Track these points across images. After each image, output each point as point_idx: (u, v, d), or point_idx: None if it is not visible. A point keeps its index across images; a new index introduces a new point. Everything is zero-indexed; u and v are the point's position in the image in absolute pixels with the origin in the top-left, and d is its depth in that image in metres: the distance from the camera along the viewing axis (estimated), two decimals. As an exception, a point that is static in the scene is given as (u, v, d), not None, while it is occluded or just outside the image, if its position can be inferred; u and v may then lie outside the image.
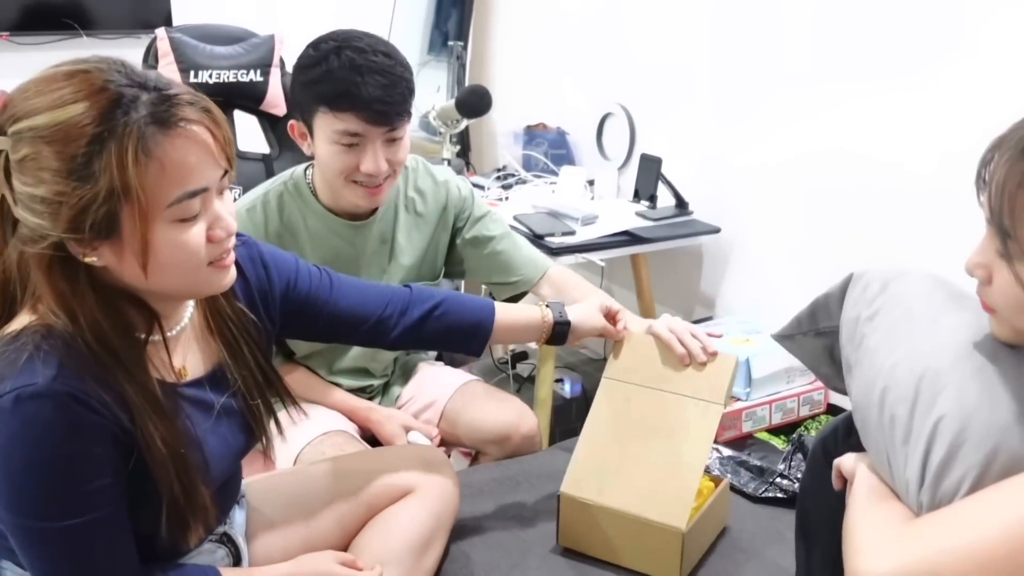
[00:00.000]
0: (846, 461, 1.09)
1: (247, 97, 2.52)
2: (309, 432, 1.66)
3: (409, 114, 1.63)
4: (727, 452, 1.78)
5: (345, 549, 1.35)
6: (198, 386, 1.15)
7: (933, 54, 1.97)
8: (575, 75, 3.08)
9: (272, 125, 2.58)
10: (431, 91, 3.16)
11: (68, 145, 0.94)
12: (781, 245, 2.41)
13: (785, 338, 1.24)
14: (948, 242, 1.34)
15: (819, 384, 2.08)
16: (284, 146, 2.56)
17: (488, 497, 1.63)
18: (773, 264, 2.44)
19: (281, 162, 2.52)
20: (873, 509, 0.98)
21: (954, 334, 0.99)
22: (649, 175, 2.61)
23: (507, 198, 2.75)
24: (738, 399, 1.98)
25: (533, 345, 2.76)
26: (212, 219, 1.04)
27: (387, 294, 1.42)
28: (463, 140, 3.22)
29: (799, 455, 1.70)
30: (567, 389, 2.63)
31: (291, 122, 1.68)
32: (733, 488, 1.67)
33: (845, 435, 1.17)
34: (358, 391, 1.84)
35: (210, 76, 2.45)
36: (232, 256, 1.09)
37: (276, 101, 2.52)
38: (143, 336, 1.07)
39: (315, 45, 1.61)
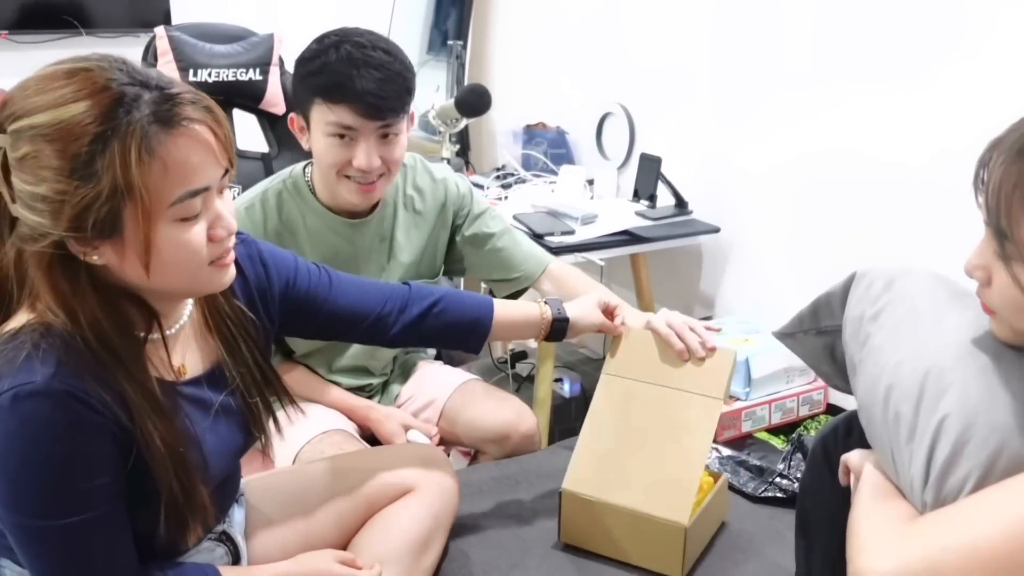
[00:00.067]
0: (853, 457, 1.09)
1: (246, 96, 2.51)
2: (308, 431, 1.66)
3: (405, 111, 1.62)
4: (727, 452, 1.77)
5: (344, 548, 1.35)
6: (197, 384, 1.15)
7: (933, 55, 1.97)
8: (575, 74, 3.07)
9: (271, 124, 2.58)
10: (430, 90, 3.16)
11: (70, 144, 0.93)
12: (781, 245, 2.41)
13: (786, 336, 1.24)
14: (948, 242, 1.33)
15: (819, 384, 2.08)
16: (283, 145, 2.56)
17: (487, 496, 1.63)
18: (772, 264, 2.44)
19: (280, 161, 2.52)
20: (877, 507, 0.98)
21: (958, 333, 1.00)
22: (649, 175, 2.61)
23: (506, 197, 2.74)
24: (737, 399, 1.98)
25: (532, 344, 2.75)
26: (213, 218, 1.04)
27: (386, 292, 1.42)
28: (462, 139, 3.21)
29: (799, 455, 1.69)
30: (566, 388, 2.63)
31: (291, 115, 1.68)
32: (733, 488, 1.67)
33: (845, 435, 1.17)
34: (357, 390, 1.84)
35: (209, 75, 2.45)
36: (232, 255, 1.09)
37: (275, 100, 2.52)
38: (142, 334, 1.07)
39: (319, 39, 1.62)
